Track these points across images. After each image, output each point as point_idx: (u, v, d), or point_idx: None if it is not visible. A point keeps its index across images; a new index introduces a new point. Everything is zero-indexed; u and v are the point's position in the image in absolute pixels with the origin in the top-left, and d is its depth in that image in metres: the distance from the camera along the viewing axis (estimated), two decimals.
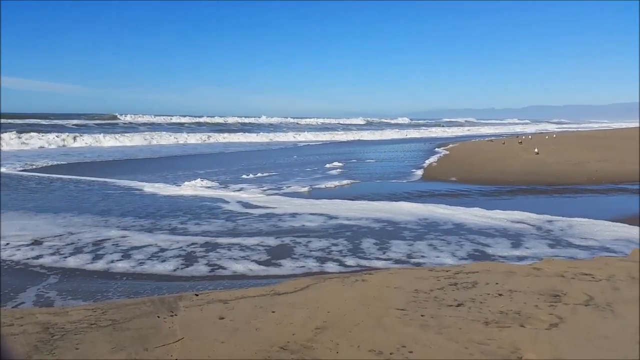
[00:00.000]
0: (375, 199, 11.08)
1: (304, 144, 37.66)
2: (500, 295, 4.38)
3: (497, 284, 4.70)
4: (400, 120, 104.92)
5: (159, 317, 4.09)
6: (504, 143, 28.01)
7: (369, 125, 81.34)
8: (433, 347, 3.36)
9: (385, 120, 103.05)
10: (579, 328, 3.62)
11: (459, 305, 4.15)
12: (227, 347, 3.48)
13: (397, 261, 6.42)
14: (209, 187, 13.13)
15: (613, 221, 8.43)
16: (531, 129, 73.90)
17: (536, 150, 20.82)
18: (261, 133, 48.05)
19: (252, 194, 11.96)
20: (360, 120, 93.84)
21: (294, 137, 44.67)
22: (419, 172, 16.21)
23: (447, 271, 5.28)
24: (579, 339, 3.44)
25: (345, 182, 13.92)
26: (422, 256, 6.60)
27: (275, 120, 79.22)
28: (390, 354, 3.29)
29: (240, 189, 12.86)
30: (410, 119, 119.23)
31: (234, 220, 8.92)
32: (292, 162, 20.95)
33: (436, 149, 27.79)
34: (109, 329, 3.82)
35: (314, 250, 6.99)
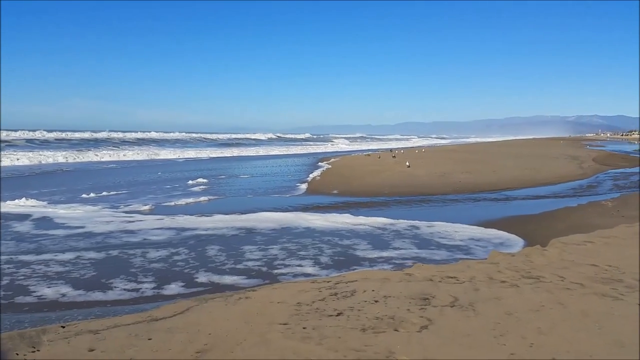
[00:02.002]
0: (239, 213, 10.97)
1: (183, 160, 36.02)
2: (376, 301, 4.60)
3: (373, 291, 4.94)
4: (302, 136, 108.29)
5: (17, 354, 3.65)
6: (379, 157, 29.66)
7: (271, 141, 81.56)
8: (313, 359, 3.42)
9: (290, 136, 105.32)
10: (446, 328, 3.93)
11: (338, 314, 4.28)
12: None
13: (257, 274, 6.46)
14: (31, 206, 12.00)
15: (471, 225, 9.47)
16: (415, 143, 79.97)
17: (408, 163, 22.36)
18: (152, 148, 45.60)
19: (73, 211, 11.19)
20: (263, 136, 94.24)
21: (179, 153, 42.78)
22: (304, 186, 16.52)
23: (328, 282, 5.43)
24: (446, 338, 3.73)
25: (202, 198, 13.58)
26: (284, 265, 6.83)
27: (182, 135, 75.75)
28: None
29: (70, 208, 11.83)
30: (312, 134, 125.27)
31: (30, 240, 8.46)
32: (154, 179, 19.70)
33: (319, 163, 28.56)
34: None
35: (155, 261, 7.03)
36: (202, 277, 6.34)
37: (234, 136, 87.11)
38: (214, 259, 7.17)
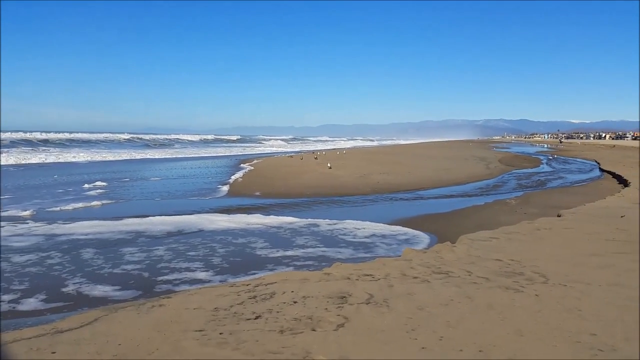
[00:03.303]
0: (134, 217, 10.43)
1: (87, 162, 32.89)
2: (295, 302, 4.61)
3: (292, 292, 4.95)
4: (234, 137, 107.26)
5: None
6: (302, 159, 29.87)
7: (203, 143, 79.41)
8: None
9: (222, 137, 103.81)
10: (362, 325, 4.02)
11: (257, 317, 4.24)
12: None
13: (136, 283, 6.13)
14: None
15: (384, 223, 9.85)
16: (344, 145, 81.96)
17: (329, 165, 22.73)
18: (60, 150, 42.38)
19: None
20: (195, 137, 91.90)
21: (90, 155, 40.06)
22: (225, 188, 16.22)
23: (247, 285, 5.37)
24: (361, 335, 3.82)
25: (95, 202, 12.67)
26: (171, 270, 6.61)
27: (107, 136, 71.01)
28: None
29: None
30: (241, 135, 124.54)
31: None
32: (48, 183, 17.96)
33: (241, 164, 28.21)
34: None
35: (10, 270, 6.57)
36: (68, 287, 5.94)
37: (165, 137, 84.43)
38: (87, 266, 6.81)
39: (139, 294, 5.72)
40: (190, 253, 7.51)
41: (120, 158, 37.38)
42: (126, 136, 75.74)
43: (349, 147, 67.83)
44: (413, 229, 9.39)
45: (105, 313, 4.56)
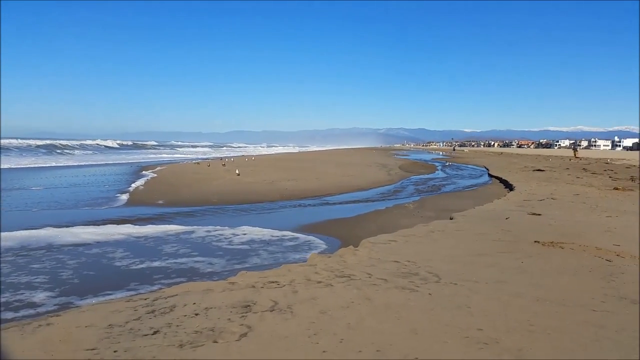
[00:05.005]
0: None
1: None
2: (196, 314, 4.49)
3: (194, 303, 4.82)
4: (149, 142, 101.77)
5: None
6: (209, 165, 29.19)
7: (119, 148, 74.37)
8: None
9: (139, 142, 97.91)
10: (265, 333, 4.02)
11: (155, 333, 4.07)
12: None
13: None
14: None
15: (290, 230, 9.88)
16: (262, 151, 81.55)
17: (237, 171, 22.46)
18: None
19: None
20: (112, 142, 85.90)
21: None
22: (124, 197, 15.34)
23: (145, 299, 5.13)
24: (264, 344, 3.82)
25: None
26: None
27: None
28: None
29: None
30: (157, 141, 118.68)
31: None
32: None
33: (143, 172, 26.89)
34: None
35: None
36: None
37: (81, 142, 78.10)
38: None
39: None
40: (33, 267, 6.81)
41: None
42: (27, 142, 68.89)
43: (257, 154, 67.54)
44: (319, 233, 9.54)
45: None
